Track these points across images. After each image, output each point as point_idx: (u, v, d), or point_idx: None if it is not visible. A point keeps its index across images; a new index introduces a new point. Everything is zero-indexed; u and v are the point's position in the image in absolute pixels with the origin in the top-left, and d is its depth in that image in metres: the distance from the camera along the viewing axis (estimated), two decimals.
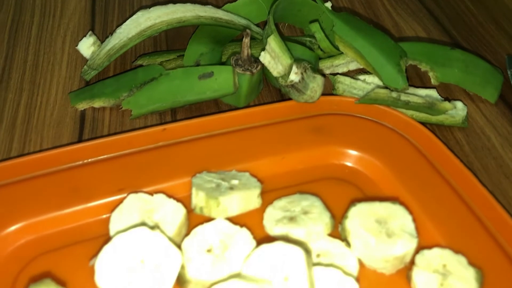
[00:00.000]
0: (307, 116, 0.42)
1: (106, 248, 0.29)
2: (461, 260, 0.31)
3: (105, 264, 0.29)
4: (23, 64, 0.47)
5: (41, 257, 0.31)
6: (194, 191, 0.34)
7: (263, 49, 0.43)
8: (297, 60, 0.42)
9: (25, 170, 0.35)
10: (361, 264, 0.32)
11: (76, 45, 0.48)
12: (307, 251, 0.28)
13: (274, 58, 0.42)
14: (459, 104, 0.44)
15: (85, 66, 0.46)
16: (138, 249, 0.29)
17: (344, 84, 0.45)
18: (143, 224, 0.30)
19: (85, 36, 0.48)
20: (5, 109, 0.43)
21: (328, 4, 0.48)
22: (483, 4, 0.59)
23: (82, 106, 0.43)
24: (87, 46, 0.47)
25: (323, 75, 0.42)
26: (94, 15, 0.54)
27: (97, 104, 0.43)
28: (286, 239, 0.29)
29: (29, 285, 0.27)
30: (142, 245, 0.29)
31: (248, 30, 0.43)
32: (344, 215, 0.33)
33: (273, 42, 0.42)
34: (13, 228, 0.32)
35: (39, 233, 0.33)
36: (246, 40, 0.43)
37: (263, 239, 0.32)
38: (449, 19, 0.56)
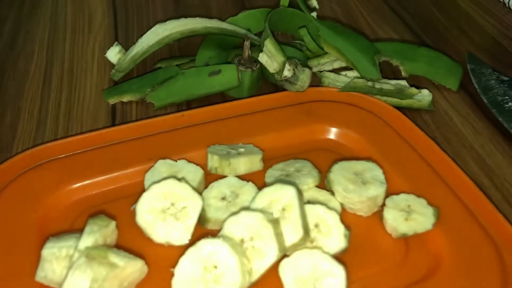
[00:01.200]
0: (299, 103, 0.51)
1: (144, 194, 0.37)
2: (422, 202, 0.40)
3: (143, 206, 0.37)
4: (61, 70, 0.57)
5: (93, 206, 0.40)
6: (209, 156, 0.42)
7: (261, 51, 0.52)
8: (289, 58, 0.51)
9: (80, 146, 0.44)
10: (342, 209, 0.40)
11: (105, 54, 0.57)
12: (299, 190, 0.37)
13: (270, 57, 0.52)
14: (425, 91, 0.53)
15: (113, 70, 0.55)
16: (169, 194, 0.37)
17: (329, 78, 0.54)
18: (171, 177, 0.39)
19: (112, 46, 0.57)
20: (49, 105, 0.52)
21: (314, 14, 0.58)
22: (448, 13, 0.69)
23: (113, 100, 0.52)
24: (114, 54, 0.57)
25: (311, 69, 0.51)
26: (117, 30, 0.63)
27: (126, 98, 0.52)
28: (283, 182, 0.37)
29: (87, 219, 0.35)
30: (172, 192, 0.38)
31: (248, 35, 0.52)
32: (328, 170, 0.42)
33: (269, 44, 0.51)
34: (71, 187, 0.41)
35: (89, 192, 0.41)
36: (247, 43, 0.52)
37: None
38: (419, 26, 0.66)
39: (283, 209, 0.36)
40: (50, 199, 0.39)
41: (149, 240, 0.37)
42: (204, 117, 0.48)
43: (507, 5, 0.71)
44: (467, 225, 0.39)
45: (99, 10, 0.67)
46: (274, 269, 0.35)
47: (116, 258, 0.32)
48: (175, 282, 0.33)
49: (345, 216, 0.40)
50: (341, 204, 0.40)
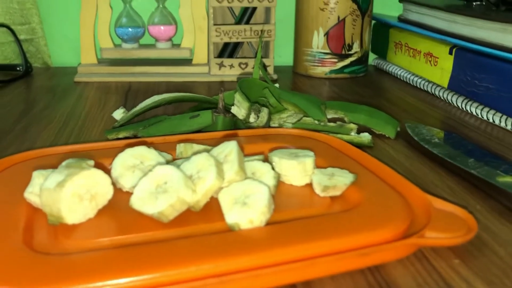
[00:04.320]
0: (259, 134, 0.63)
1: (120, 154, 0.48)
2: (345, 171, 0.49)
3: (118, 162, 0.47)
4: (74, 126, 0.71)
5: None
6: (177, 145, 0.53)
7: (233, 105, 0.66)
8: (252, 107, 0.65)
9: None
10: (280, 182, 0.49)
11: (111, 114, 0.72)
12: (240, 146, 0.47)
13: (239, 106, 0.66)
14: (365, 133, 0.65)
15: (116, 123, 0.70)
16: (139, 155, 0.48)
17: (288, 125, 0.67)
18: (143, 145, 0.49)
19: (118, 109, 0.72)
20: (59, 141, 0.65)
21: (276, 85, 0.73)
22: (391, 102, 0.84)
23: (111, 136, 0.65)
24: (119, 113, 0.72)
25: (269, 110, 0.64)
26: (126, 108, 0.79)
27: (122, 134, 0.65)
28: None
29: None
30: (142, 154, 0.48)
31: (223, 89, 0.67)
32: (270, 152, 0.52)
33: (238, 95, 0.66)
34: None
35: None
36: (221, 95, 0.67)
37: None
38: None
39: (225, 156, 0.46)
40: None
41: (119, 189, 0.46)
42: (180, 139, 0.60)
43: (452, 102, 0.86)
44: (381, 187, 0.47)
45: (113, 99, 0.84)
46: (215, 200, 0.43)
47: (89, 165, 0.41)
48: (133, 197, 0.42)
49: (282, 186, 0.49)
50: (279, 176, 0.49)
